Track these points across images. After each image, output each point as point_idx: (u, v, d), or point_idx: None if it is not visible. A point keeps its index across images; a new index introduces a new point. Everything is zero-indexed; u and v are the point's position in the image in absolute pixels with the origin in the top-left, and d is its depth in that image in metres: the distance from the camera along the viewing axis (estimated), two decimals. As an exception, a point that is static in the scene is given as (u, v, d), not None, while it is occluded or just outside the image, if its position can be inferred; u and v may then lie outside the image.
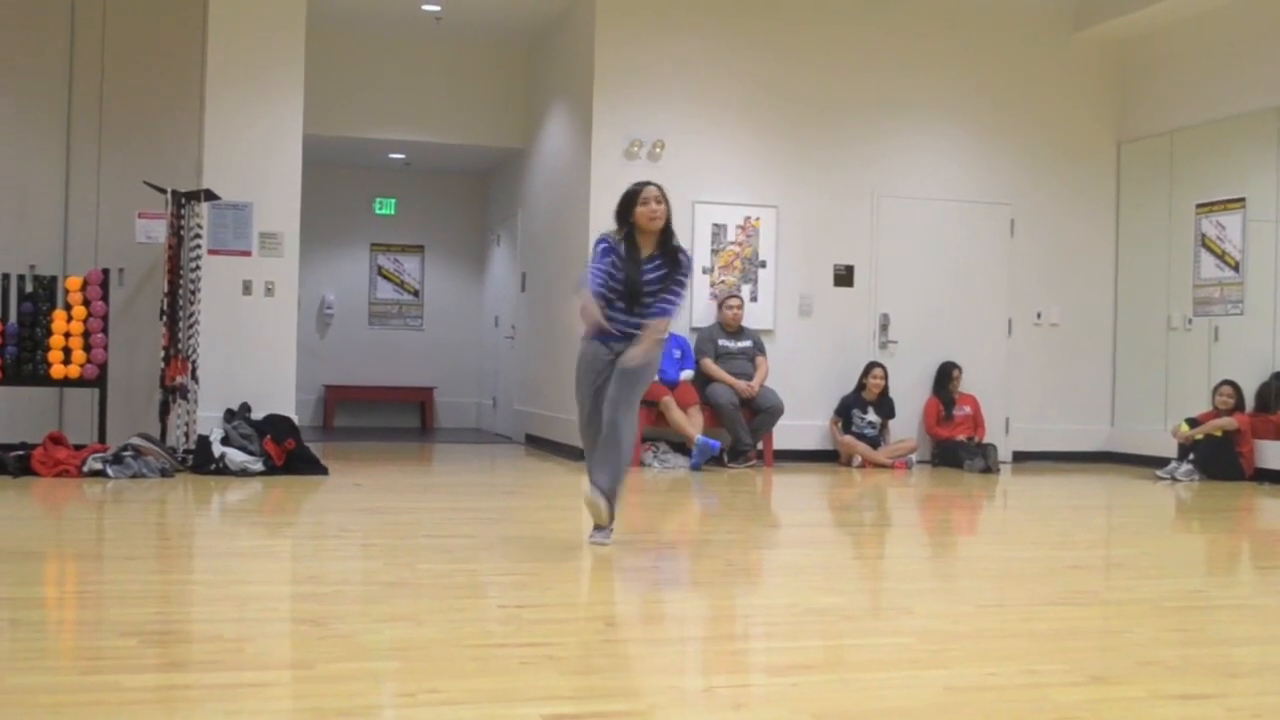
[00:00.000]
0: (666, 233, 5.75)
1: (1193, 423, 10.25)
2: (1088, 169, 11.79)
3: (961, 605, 4.69)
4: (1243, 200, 10.50)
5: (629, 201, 5.76)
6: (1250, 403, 10.24)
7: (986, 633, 4.20)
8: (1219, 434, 10.04)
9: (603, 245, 5.79)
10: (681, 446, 10.29)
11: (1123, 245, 11.80)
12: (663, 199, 5.73)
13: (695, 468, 9.96)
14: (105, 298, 9.26)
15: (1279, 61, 10.19)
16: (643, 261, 5.69)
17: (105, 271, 9.36)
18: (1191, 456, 10.11)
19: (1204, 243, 10.83)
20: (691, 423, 10.14)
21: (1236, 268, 10.52)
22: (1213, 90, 10.80)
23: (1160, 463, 10.45)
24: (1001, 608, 4.65)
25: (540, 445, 11.96)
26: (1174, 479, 9.98)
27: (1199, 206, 10.89)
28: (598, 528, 5.71)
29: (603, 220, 10.67)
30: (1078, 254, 11.77)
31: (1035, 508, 8.56)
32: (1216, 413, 10.18)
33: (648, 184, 5.80)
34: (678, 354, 10.40)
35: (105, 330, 9.20)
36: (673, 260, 5.72)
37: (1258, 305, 10.34)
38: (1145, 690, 3.44)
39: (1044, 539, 6.90)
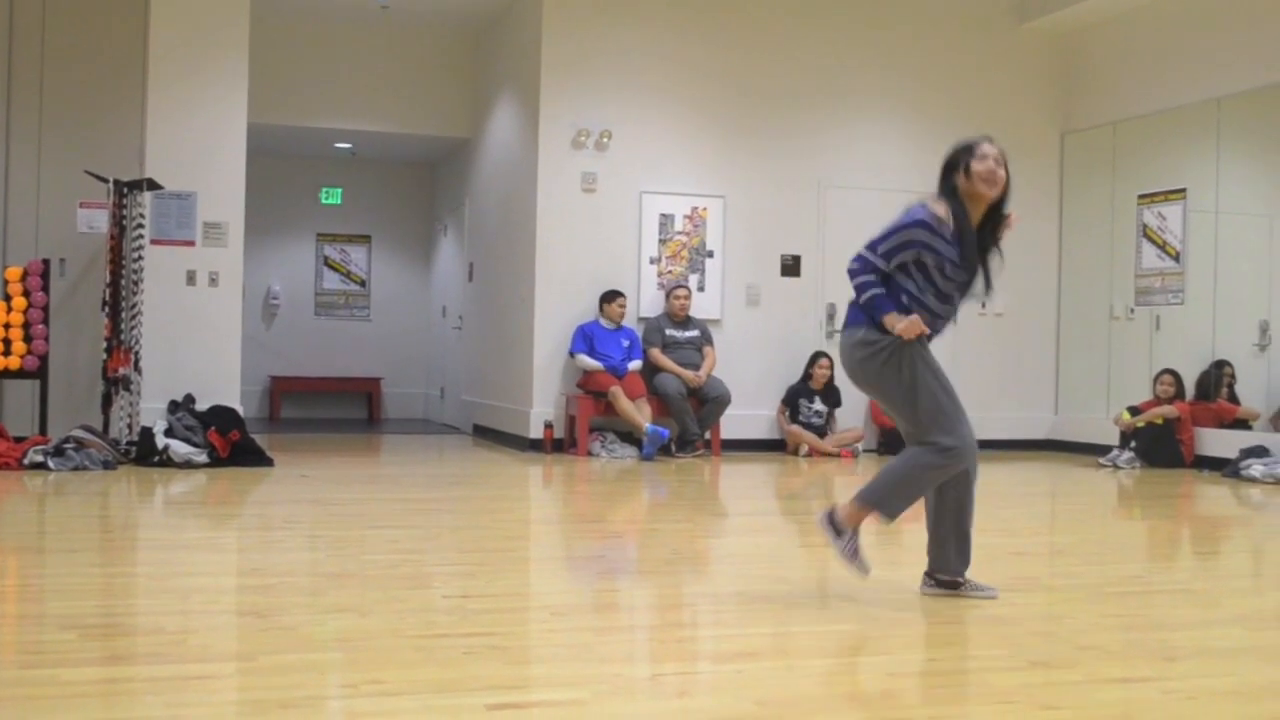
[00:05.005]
0: (1001, 203, 4.70)
1: (1134, 411, 10.38)
2: (1032, 160, 11.86)
3: (904, 592, 4.73)
4: (1183, 191, 10.63)
5: (962, 156, 4.69)
6: (1190, 391, 10.38)
7: (929, 619, 4.24)
8: (1160, 422, 10.17)
9: (924, 226, 4.66)
10: (629, 436, 10.31)
11: (1066, 235, 11.92)
12: (1003, 160, 4.61)
13: (648, 457, 9.97)
14: (46, 288, 9.14)
15: (1219, 54, 10.32)
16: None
17: (46, 262, 9.24)
18: (1133, 444, 10.24)
19: (1145, 233, 10.96)
20: (640, 413, 10.16)
21: (1177, 258, 10.66)
22: (1154, 82, 10.93)
23: (1103, 450, 10.59)
24: (944, 594, 4.69)
25: (487, 435, 11.93)
26: (1116, 466, 10.11)
27: (1141, 197, 11.02)
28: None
29: (551, 208, 10.78)
30: (1022, 244, 11.82)
31: (979, 495, 8.60)
32: (1157, 401, 10.32)
33: (985, 139, 4.68)
34: (625, 344, 10.41)
35: (46, 321, 9.09)
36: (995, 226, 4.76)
37: (1198, 295, 10.48)
38: (1084, 674, 3.48)
39: (987, 526, 6.94)
